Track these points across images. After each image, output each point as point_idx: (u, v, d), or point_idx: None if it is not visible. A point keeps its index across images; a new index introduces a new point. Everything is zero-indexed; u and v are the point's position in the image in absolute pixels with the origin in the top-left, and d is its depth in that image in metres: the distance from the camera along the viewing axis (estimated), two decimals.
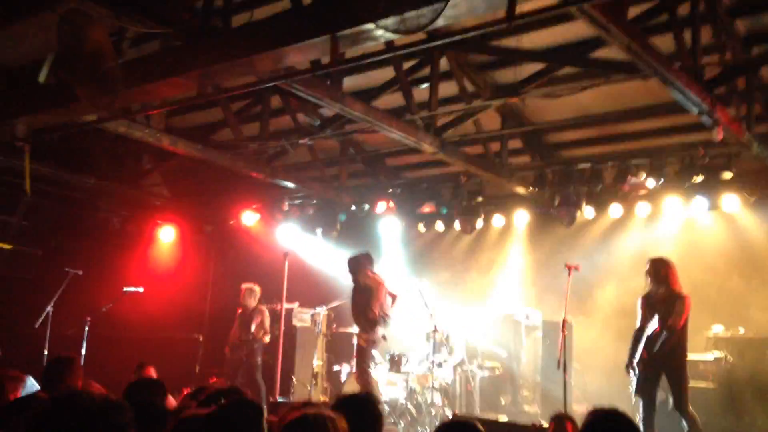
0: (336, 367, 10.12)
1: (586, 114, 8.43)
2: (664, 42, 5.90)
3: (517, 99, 7.69)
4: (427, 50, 7.24)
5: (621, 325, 9.26)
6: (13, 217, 9.80)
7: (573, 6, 4.62)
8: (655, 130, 8.60)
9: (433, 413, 9.00)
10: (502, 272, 10.89)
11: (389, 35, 4.76)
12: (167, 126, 8.27)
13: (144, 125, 7.77)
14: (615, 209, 9.29)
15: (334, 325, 10.66)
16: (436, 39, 5.41)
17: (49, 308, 8.90)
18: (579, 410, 8.48)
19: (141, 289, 9.64)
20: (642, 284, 9.11)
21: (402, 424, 8.89)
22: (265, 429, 2.17)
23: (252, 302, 10.11)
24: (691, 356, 7.41)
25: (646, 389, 6.88)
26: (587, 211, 9.31)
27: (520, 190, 9.49)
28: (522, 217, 10.20)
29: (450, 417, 8.64)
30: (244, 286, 10.14)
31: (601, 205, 9.32)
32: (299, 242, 11.37)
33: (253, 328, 9.98)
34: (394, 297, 9.27)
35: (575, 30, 6.58)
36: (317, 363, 10.34)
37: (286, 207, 11.13)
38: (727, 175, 8.11)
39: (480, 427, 2.78)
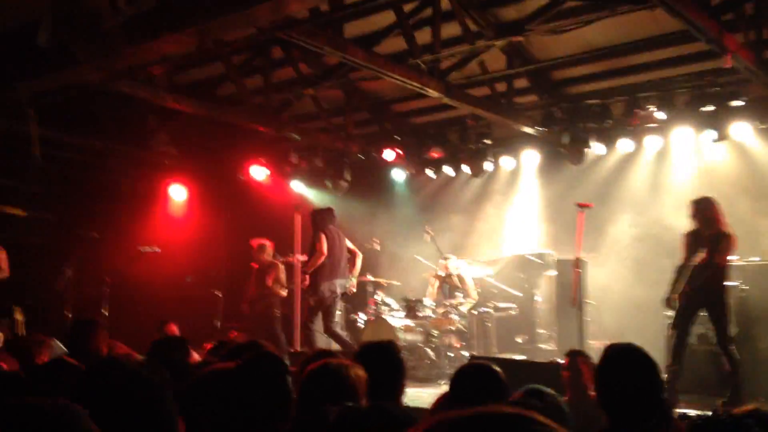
0: (352, 316, 10.27)
1: (592, 49, 8.29)
2: None
3: (522, 37, 7.55)
4: None
5: (635, 260, 9.32)
6: (24, 184, 9.85)
7: None
8: (662, 61, 8.44)
9: (452, 356, 9.15)
10: (514, 214, 10.89)
11: None
12: (170, 84, 8.22)
13: (147, 84, 7.72)
14: (625, 144, 9.20)
15: None
16: None
17: (69, 271, 9.03)
18: (595, 346, 8.59)
19: (158, 249, 9.73)
20: (654, 220, 9.15)
21: (422, 368, 9.06)
22: (290, 381, 2.21)
23: (265, 257, 10.20)
24: None
25: (683, 322, 6.94)
26: (597, 148, 9.24)
27: (528, 129, 9.40)
28: (531, 157, 10.13)
29: (468, 359, 8.78)
30: (255, 242, 10.22)
31: (611, 141, 9.23)
32: (309, 194, 11.39)
33: (268, 282, 10.09)
34: (354, 254, 9.46)
35: None
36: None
37: (294, 160, 11.11)
38: (737, 103, 7.99)
39: (496, 368, 2.83)
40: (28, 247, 9.86)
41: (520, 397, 2.81)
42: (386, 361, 2.94)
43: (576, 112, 9.03)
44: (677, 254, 7.13)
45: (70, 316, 8.97)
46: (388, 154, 10.37)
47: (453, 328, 9.37)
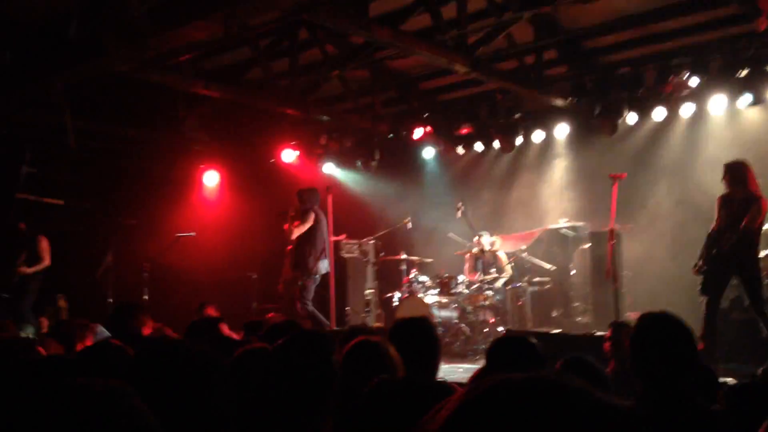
0: (387, 294, 10.33)
1: (622, 16, 8.14)
2: None
3: (550, 7, 7.44)
4: None
5: (671, 230, 9.18)
6: (61, 174, 10.08)
7: None
8: (695, 26, 8.25)
9: (486, 331, 9.17)
10: (546, 187, 10.79)
11: None
12: (198, 70, 8.30)
13: (176, 71, 7.81)
14: (659, 112, 9.02)
15: (382, 254, 10.81)
16: None
17: (108, 258, 9.25)
18: (631, 317, 8.52)
19: (193, 234, 9.89)
20: (690, 188, 9.00)
21: (457, 343, 9.09)
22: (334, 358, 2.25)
23: None
24: None
25: (713, 288, 6.83)
26: (630, 117, 9.08)
27: (559, 102, 9.28)
28: (562, 129, 9.99)
29: (503, 334, 8.79)
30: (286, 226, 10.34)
31: (644, 110, 9.06)
32: (340, 175, 11.43)
33: None
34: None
35: None
36: (369, 291, 10.55)
37: (323, 141, 11.15)
38: None
39: (532, 340, 2.84)
40: (68, 236, 10.10)
41: (560, 366, 2.82)
42: (421, 337, 2.96)
43: (607, 82, 8.88)
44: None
45: (111, 301, 9.19)
46: (418, 132, 10.34)
47: (487, 303, 9.37)
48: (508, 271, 9.81)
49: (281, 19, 6.35)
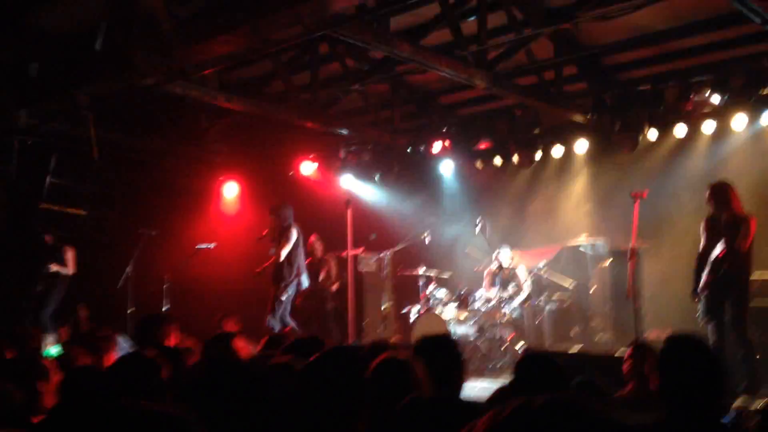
0: (404, 309, 10.32)
1: (642, 33, 8.13)
2: None
3: (570, 24, 7.45)
4: None
5: (692, 249, 9.07)
6: (85, 185, 10.22)
7: None
8: (716, 44, 8.22)
9: (504, 348, 9.12)
10: (565, 203, 10.74)
11: None
12: (221, 83, 8.39)
13: (199, 84, 7.90)
14: (679, 130, 8.98)
15: (399, 268, 10.82)
16: None
17: (129, 269, 9.33)
18: (651, 337, 8.43)
19: (212, 245, 9.95)
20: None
21: (474, 360, 9.05)
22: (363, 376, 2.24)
23: (317, 252, 10.36)
24: (761, 274, 7.29)
25: (714, 313, 6.78)
26: (650, 134, 9.04)
27: (579, 118, 9.27)
28: (582, 145, 9.96)
29: (520, 351, 8.74)
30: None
31: (664, 127, 9.02)
32: (358, 188, 11.46)
33: (321, 277, 10.24)
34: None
35: None
36: (386, 305, 10.55)
37: (342, 154, 11.20)
38: None
39: (556, 360, 2.82)
40: (89, 246, 10.20)
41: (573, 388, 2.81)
42: (446, 354, 2.96)
43: (627, 99, 8.86)
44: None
45: (131, 312, 9.25)
46: (436, 147, 10.37)
47: (505, 320, 9.33)
48: (527, 287, 9.76)
49: (304, 34, 6.41)
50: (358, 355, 2.15)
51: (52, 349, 7.93)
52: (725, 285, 6.70)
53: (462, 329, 9.35)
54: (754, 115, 8.35)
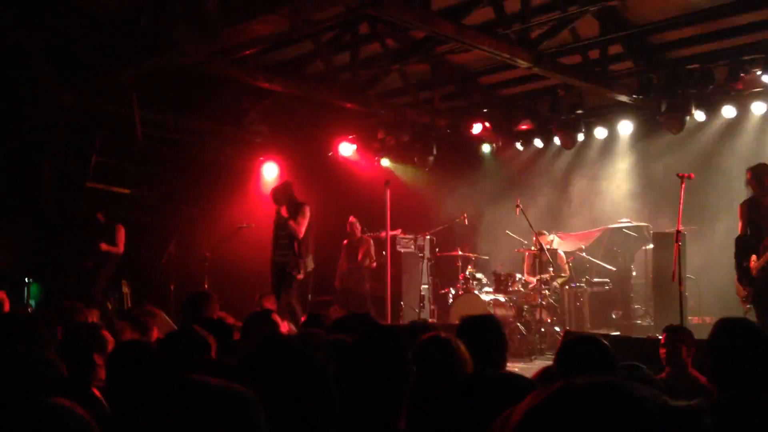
0: (442, 290, 10.30)
1: (692, 10, 7.90)
2: None
3: (617, 1, 7.27)
4: None
5: (737, 232, 8.84)
6: (129, 164, 10.40)
7: None
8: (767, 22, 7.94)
9: (543, 330, 9.05)
10: (607, 185, 10.55)
11: None
12: (262, 63, 8.41)
13: (240, 65, 7.93)
14: (728, 110, 8.73)
15: (437, 249, 10.79)
16: None
17: (171, 246, 9.49)
18: (694, 322, 8.28)
19: (252, 225, 10.05)
20: None
21: (512, 343, 8.99)
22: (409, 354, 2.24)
23: (356, 233, 10.40)
24: None
25: (763, 298, 6.59)
26: (697, 115, 8.82)
27: (623, 98, 9.07)
28: (626, 126, 9.76)
29: (560, 334, 8.66)
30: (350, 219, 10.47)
31: (712, 107, 8.79)
32: (397, 169, 11.43)
33: (359, 257, 10.28)
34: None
35: None
36: (423, 287, 10.54)
37: (381, 135, 11.16)
38: None
39: (604, 341, 2.78)
40: (133, 224, 10.40)
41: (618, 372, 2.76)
42: (490, 334, 2.94)
43: (675, 78, 8.64)
44: None
45: (173, 288, 9.42)
46: (476, 128, 10.26)
47: (544, 303, 9.24)
48: (567, 270, 9.65)
49: (345, 14, 6.37)
50: (403, 333, 2.14)
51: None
52: None
53: (500, 311, 9.28)
54: None
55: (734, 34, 8.34)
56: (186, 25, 4.67)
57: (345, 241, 10.59)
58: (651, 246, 9.48)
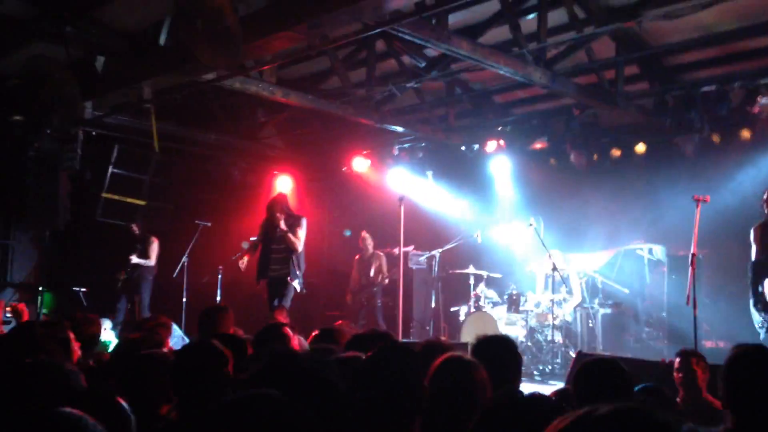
0: (453, 308, 10.27)
1: (709, 33, 7.89)
2: None
3: (634, 22, 7.28)
4: None
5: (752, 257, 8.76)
6: (145, 175, 10.49)
7: None
8: None
9: (554, 351, 8.99)
10: (622, 206, 10.49)
11: None
12: (278, 79, 8.48)
13: (257, 80, 8.00)
14: (744, 133, 8.69)
15: (449, 267, 10.76)
16: None
17: (185, 259, 9.54)
18: (708, 346, 8.20)
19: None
20: None
21: (523, 363, 8.93)
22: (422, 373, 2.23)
23: (369, 248, 10.42)
24: None
25: None
26: (713, 137, 8.77)
27: (638, 118, 9.06)
28: (641, 147, 9.74)
29: (572, 355, 8.60)
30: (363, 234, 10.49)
31: (728, 131, 8.75)
32: (410, 186, 11.45)
33: (371, 272, 10.28)
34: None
35: None
36: (434, 304, 10.52)
37: (396, 151, 11.20)
38: None
39: (622, 365, 2.76)
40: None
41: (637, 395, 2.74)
42: (507, 355, 2.93)
43: (690, 100, 8.61)
44: None
45: (185, 300, 9.46)
46: (491, 146, 10.27)
47: (556, 323, 9.19)
48: (579, 291, 9.60)
49: (362, 30, 6.42)
50: (414, 352, 2.14)
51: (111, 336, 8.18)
52: None
53: (511, 330, 9.25)
54: None
55: (750, 57, 8.32)
56: (206, 41, 4.74)
57: (357, 256, 10.61)
58: (665, 268, 9.42)
